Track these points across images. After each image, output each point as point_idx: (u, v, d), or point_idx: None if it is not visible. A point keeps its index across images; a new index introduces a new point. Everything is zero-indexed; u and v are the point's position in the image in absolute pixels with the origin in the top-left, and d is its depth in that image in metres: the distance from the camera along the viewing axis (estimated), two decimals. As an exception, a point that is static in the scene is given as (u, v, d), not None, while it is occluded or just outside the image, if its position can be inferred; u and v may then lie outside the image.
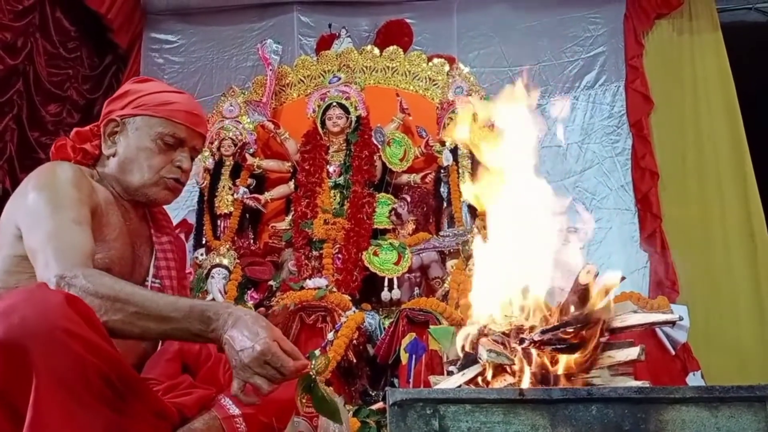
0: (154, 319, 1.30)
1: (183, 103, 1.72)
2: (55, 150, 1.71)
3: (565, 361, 1.51)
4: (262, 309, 1.91)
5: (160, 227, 1.80)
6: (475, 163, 4.53)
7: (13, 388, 1.15)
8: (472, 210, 4.48)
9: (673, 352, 3.98)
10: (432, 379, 1.78)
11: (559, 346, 1.52)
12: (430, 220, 4.66)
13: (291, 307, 3.81)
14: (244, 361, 1.22)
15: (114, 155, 1.68)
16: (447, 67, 5.00)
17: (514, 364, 1.50)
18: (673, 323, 1.67)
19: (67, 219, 1.46)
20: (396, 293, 4.17)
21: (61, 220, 1.46)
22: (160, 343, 1.66)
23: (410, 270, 4.26)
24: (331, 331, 3.78)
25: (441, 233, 4.49)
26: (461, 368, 1.61)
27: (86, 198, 1.55)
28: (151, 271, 1.72)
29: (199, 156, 4.85)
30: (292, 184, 4.75)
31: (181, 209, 4.93)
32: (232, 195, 4.74)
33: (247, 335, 1.24)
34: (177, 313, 1.31)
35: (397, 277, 4.21)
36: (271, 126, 4.79)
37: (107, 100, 1.77)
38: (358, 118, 4.69)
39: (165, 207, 1.86)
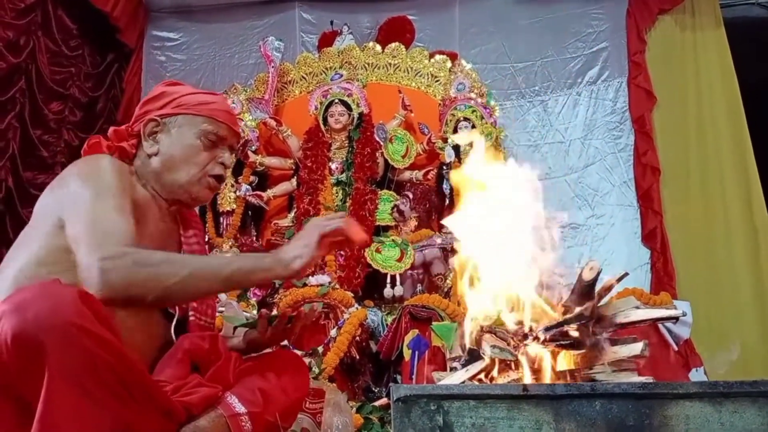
0: (214, 269, 1.46)
1: (221, 103, 1.77)
2: (88, 148, 1.70)
3: (568, 357, 1.51)
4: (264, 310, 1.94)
5: (186, 222, 1.81)
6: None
7: (24, 381, 1.17)
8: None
9: (675, 348, 3.98)
10: (435, 375, 1.78)
11: (562, 343, 1.52)
12: (433, 217, 4.67)
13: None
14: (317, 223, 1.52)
15: (156, 154, 1.68)
16: (449, 64, 5.01)
17: (517, 359, 1.51)
18: (676, 319, 1.67)
19: (109, 206, 1.47)
20: (398, 290, 4.18)
21: (104, 208, 1.47)
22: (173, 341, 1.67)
23: (413, 267, 4.28)
24: (334, 327, 3.78)
25: (443, 230, 4.49)
26: (465, 364, 1.61)
27: (128, 187, 1.58)
28: None
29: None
30: (294, 181, 4.75)
31: (183, 206, 4.93)
32: (235, 192, 4.75)
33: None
34: (230, 259, 1.52)
35: (400, 274, 4.22)
36: (273, 123, 4.79)
37: (142, 101, 1.79)
38: (360, 115, 4.69)
39: None
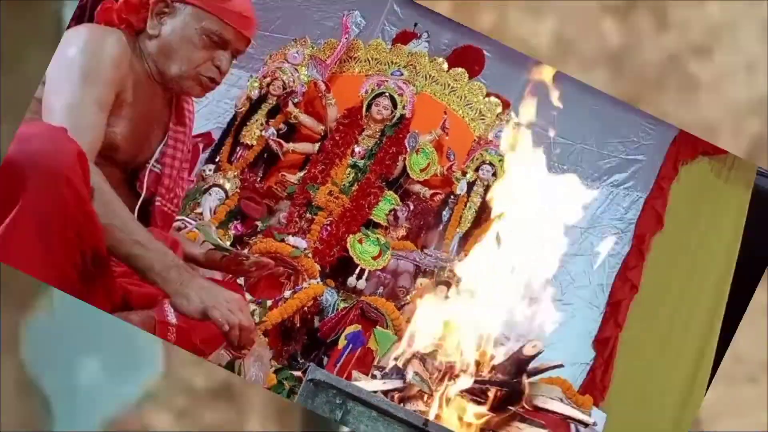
0: (128, 235, 1.34)
1: (237, 3, 1.65)
2: (101, 11, 1.65)
3: (478, 413, 1.58)
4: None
5: (180, 116, 1.77)
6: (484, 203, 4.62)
7: None
8: (462, 243, 4.59)
9: (579, 453, 4.09)
10: (355, 374, 1.89)
11: (478, 399, 1.59)
12: (421, 236, 4.78)
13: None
14: None
15: (157, 36, 1.63)
16: (499, 109, 5.08)
17: (431, 395, 1.57)
18: (585, 425, 1.76)
19: (91, 97, 1.48)
20: (362, 284, 4.28)
21: (85, 96, 1.47)
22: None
23: (384, 269, 4.37)
24: (290, 290, 3.90)
25: (426, 251, 4.59)
26: (385, 377, 1.69)
27: (119, 80, 1.54)
28: (156, 155, 1.72)
29: (248, 82, 4.90)
30: (317, 146, 4.85)
31: (210, 122, 5.04)
32: (260, 131, 4.85)
33: None
34: (149, 242, 1.36)
35: (370, 271, 4.33)
36: (323, 87, 4.85)
37: None
38: (402, 117, 4.79)
39: (194, 100, 1.88)
